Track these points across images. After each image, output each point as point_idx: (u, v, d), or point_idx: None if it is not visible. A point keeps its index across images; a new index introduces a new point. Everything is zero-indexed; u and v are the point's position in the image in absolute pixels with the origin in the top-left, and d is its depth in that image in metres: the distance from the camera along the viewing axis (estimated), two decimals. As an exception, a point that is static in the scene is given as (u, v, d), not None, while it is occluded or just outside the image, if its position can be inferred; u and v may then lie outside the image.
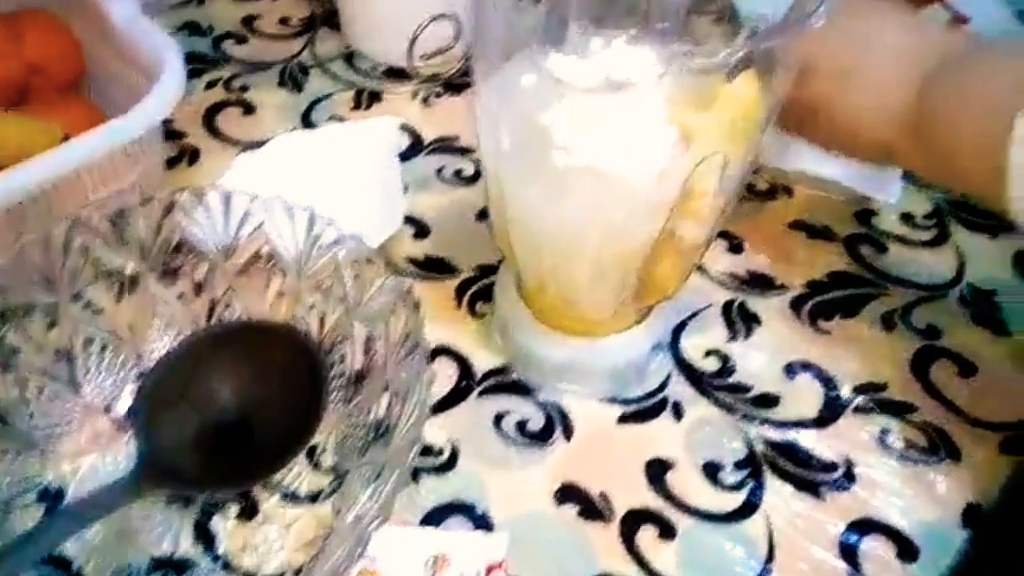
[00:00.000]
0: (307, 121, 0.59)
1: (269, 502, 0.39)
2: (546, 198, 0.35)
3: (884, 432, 0.43)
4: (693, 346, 0.46)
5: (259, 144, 0.56)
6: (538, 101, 0.34)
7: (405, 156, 0.56)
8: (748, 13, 0.63)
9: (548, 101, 0.34)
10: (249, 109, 0.60)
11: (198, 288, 0.43)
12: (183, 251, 0.41)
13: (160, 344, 0.42)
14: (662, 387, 0.44)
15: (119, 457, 0.40)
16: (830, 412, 0.43)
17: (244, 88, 0.62)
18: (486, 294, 0.48)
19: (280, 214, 0.40)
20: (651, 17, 0.44)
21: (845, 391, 0.44)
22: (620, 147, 0.32)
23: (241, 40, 0.66)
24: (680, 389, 0.44)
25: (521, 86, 0.35)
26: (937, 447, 0.42)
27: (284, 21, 0.68)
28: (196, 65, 0.63)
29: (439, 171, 0.56)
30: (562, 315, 0.42)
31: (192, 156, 0.56)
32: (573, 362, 0.43)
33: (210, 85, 0.62)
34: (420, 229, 0.52)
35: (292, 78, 0.63)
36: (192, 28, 0.67)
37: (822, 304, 0.49)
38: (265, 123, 0.59)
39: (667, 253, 0.36)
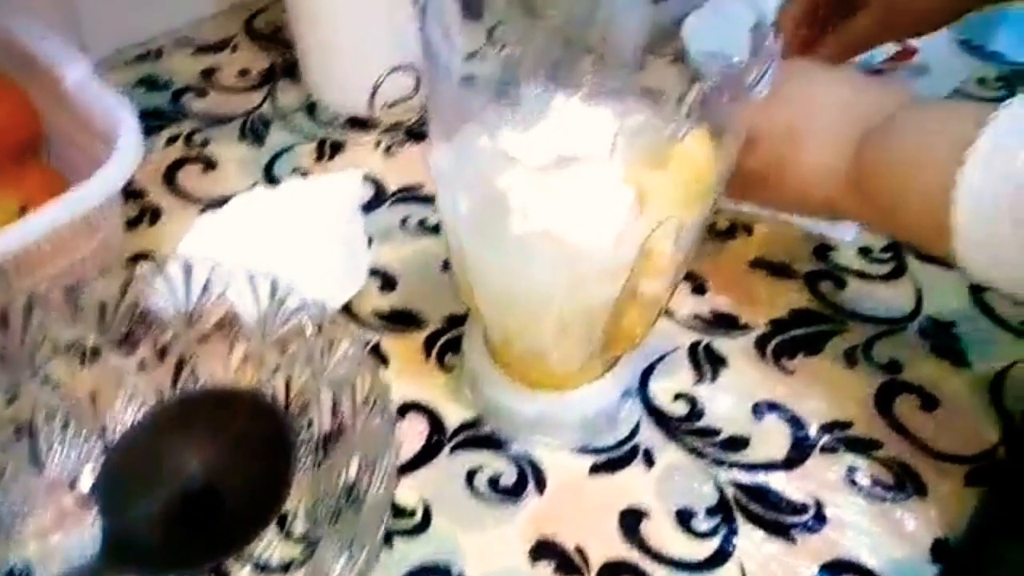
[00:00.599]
0: (269, 174, 0.59)
1: (240, 574, 0.38)
2: (506, 262, 0.35)
3: (851, 470, 0.43)
4: (662, 390, 0.47)
5: (221, 201, 0.56)
6: (494, 165, 0.34)
7: (369, 206, 0.57)
8: (697, 54, 0.65)
9: (504, 165, 0.34)
10: (210, 165, 0.60)
11: (160, 356, 0.42)
12: (144, 321, 0.41)
13: (124, 415, 0.42)
14: (632, 434, 0.45)
15: (86, 535, 0.39)
16: (798, 453, 0.44)
17: (204, 143, 0.61)
18: (455, 346, 0.48)
19: (242, 281, 0.40)
20: (607, 59, 0.44)
21: (812, 430, 0.45)
22: (577, 212, 0.32)
23: (200, 94, 0.66)
24: (650, 435, 0.45)
25: (477, 149, 0.35)
26: (904, 483, 0.43)
27: (244, 73, 0.68)
28: (155, 121, 0.63)
29: (403, 221, 0.56)
30: (530, 368, 0.43)
31: (153, 216, 0.56)
32: (544, 415, 0.43)
33: (170, 141, 0.62)
34: (386, 281, 0.52)
35: (253, 131, 0.63)
36: (150, 83, 0.66)
37: (785, 343, 0.49)
38: (227, 179, 0.59)
39: (631, 307, 0.37)
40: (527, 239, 0.33)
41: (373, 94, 0.61)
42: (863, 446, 0.44)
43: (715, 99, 0.32)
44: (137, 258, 0.53)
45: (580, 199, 0.33)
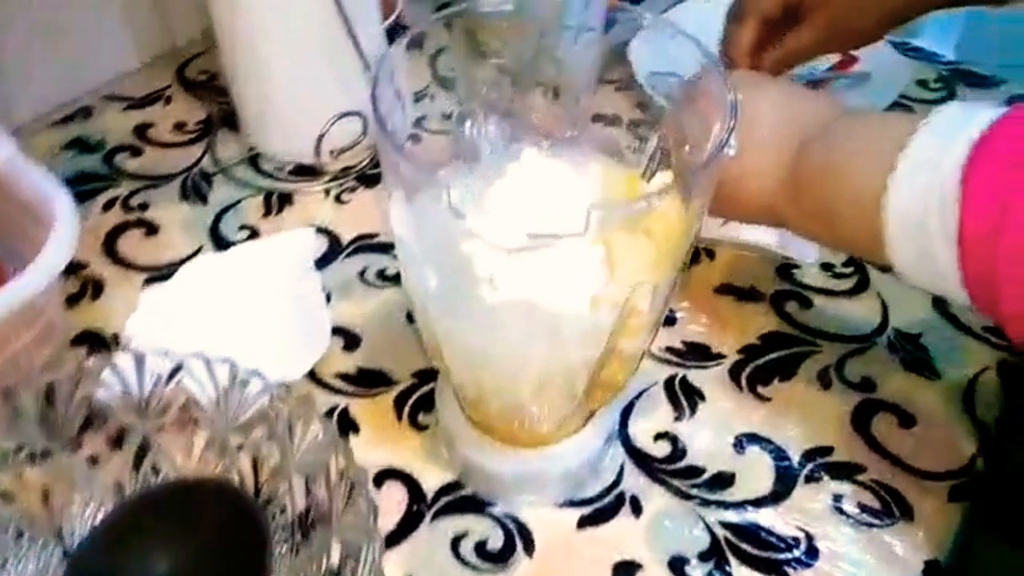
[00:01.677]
0: (216, 235, 0.56)
1: (223, 677, 0.36)
2: (479, 332, 0.34)
3: (837, 498, 0.43)
4: (642, 431, 0.46)
5: (167, 268, 0.54)
6: (456, 228, 0.33)
7: (324, 260, 0.55)
8: (647, 76, 0.64)
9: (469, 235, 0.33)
10: (152, 229, 0.57)
11: (116, 449, 0.40)
12: (96, 416, 0.38)
13: (83, 517, 0.39)
14: (617, 481, 0.44)
15: (50, 654, 0.37)
16: (783, 484, 0.44)
17: (144, 206, 0.59)
18: (427, 403, 0.47)
19: (199, 368, 0.37)
20: (562, 93, 0.43)
21: (795, 459, 0.45)
22: (550, 278, 0.31)
23: (136, 152, 0.63)
24: (634, 481, 0.44)
25: (438, 216, 0.34)
26: (890, 507, 0.43)
27: (180, 127, 0.65)
28: (89, 185, 0.60)
29: (361, 273, 0.54)
30: (508, 425, 0.41)
31: (95, 289, 0.53)
32: (525, 473, 0.42)
33: (107, 206, 0.59)
34: (349, 340, 0.50)
35: (195, 189, 0.60)
36: (81, 145, 0.63)
37: (759, 369, 0.49)
38: (171, 243, 0.56)
39: (612, 361, 0.36)
40: (500, 309, 0.32)
41: (319, 142, 0.60)
42: (846, 471, 0.44)
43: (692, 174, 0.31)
44: (82, 338, 0.50)
45: (551, 264, 0.31)
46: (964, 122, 0.33)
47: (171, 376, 0.38)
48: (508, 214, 0.30)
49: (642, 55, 0.68)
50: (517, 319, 0.32)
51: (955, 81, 0.70)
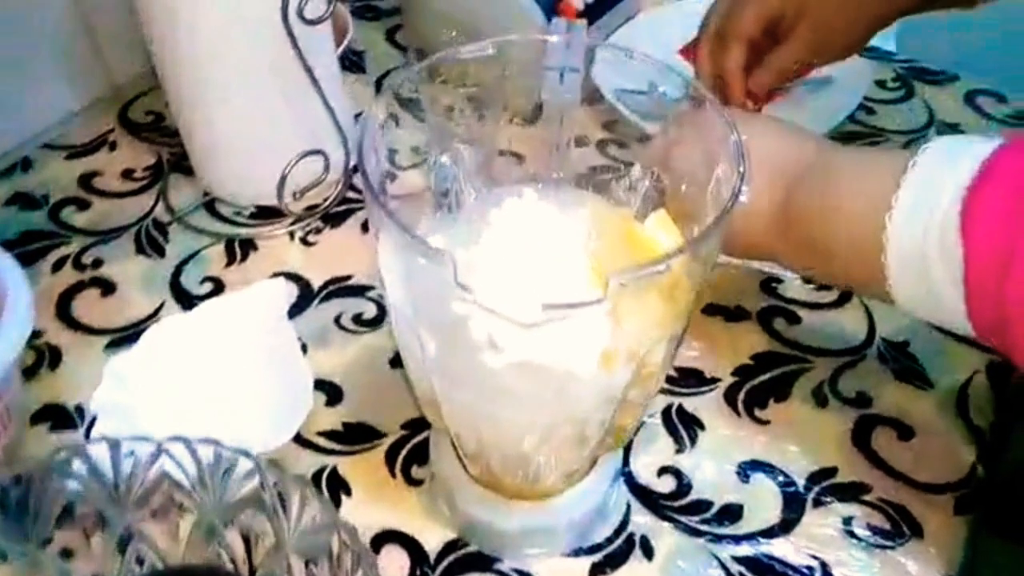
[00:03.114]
0: (178, 289, 0.54)
1: None
2: (483, 397, 0.32)
3: (847, 521, 0.42)
4: (644, 467, 0.45)
5: (129, 330, 0.51)
6: (450, 287, 0.31)
7: (296, 308, 0.52)
8: (616, 93, 0.63)
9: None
10: (109, 288, 0.54)
11: (95, 540, 0.37)
12: (70, 512, 0.35)
13: (63, 619, 0.36)
14: (625, 522, 0.42)
15: None
16: (792, 512, 0.43)
17: (98, 263, 0.55)
18: (420, 455, 0.45)
19: (180, 452, 0.35)
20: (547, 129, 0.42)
21: (800, 484, 0.44)
22: (555, 336, 0.29)
23: (83, 205, 0.59)
24: (643, 520, 0.43)
25: (432, 275, 0.32)
26: (899, 525, 0.42)
27: (128, 174, 0.62)
28: (36, 244, 0.56)
29: (337, 319, 0.52)
30: (511, 477, 0.40)
31: (53, 358, 0.50)
32: (531, 526, 0.40)
33: (57, 266, 0.55)
34: (331, 393, 0.48)
35: (150, 241, 0.57)
36: (23, 200, 0.60)
37: (754, 391, 0.48)
38: (130, 301, 0.53)
39: (623, 411, 0.34)
40: (505, 373, 0.30)
41: (282, 184, 0.57)
42: (852, 492, 0.44)
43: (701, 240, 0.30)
44: (43, 414, 0.47)
45: (557, 323, 0.30)
46: (953, 162, 0.33)
47: (150, 460, 0.36)
48: (513, 280, 0.28)
49: (605, 72, 0.68)
50: (523, 382, 0.30)
51: (912, 79, 0.71)
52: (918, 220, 0.33)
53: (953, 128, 0.66)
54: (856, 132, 0.65)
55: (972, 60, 0.75)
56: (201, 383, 0.44)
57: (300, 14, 0.49)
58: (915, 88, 0.70)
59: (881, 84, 0.70)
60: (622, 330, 0.30)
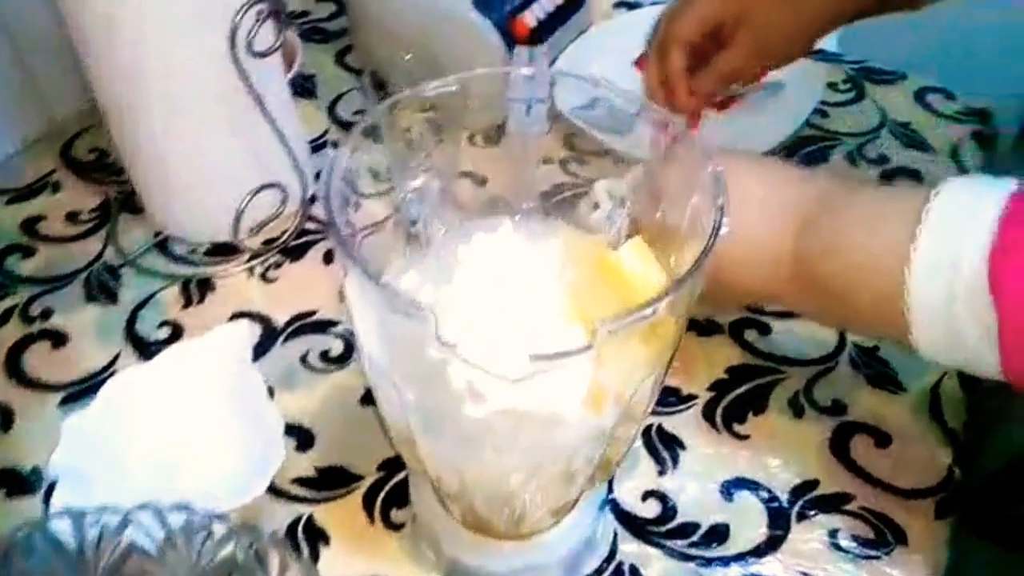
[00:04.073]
0: (134, 337, 0.51)
1: None
2: (464, 445, 0.31)
3: (832, 534, 0.42)
4: (629, 492, 0.44)
5: (84, 383, 0.48)
6: (430, 340, 0.30)
7: (260, 349, 0.51)
8: (572, 112, 0.63)
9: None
10: (60, 339, 0.51)
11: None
12: (35, 591, 0.33)
13: None
14: (613, 552, 0.42)
15: None
16: (778, 527, 0.43)
17: (47, 313, 0.53)
18: (399, 497, 0.44)
19: (148, 520, 0.33)
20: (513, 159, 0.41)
21: (784, 499, 0.44)
22: (537, 382, 0.29)
23: (28, 252, 0.57)
24: (631, 548, 0.42)
25: (408, 326, 0.31)
26: (883, 534, 0.42)
27: (73, 217, 0.59)
28: (-21, 297, 0.54)
29: (303, 358, 0.51)
30: (496, 516, 0.39)
31: (5, 418, 0.47)
32: (520, 566, 0.39)
33: (3, 319, 0.53)
34: (301, 438, 0.46)
35: (101, 286, 0.55)
36: (-38, 250, 0.57)
37: (731, 406, 0.48)
38: (84, 353, 0.51)
39: (612, 448, 0.34)
40: (488, 421, 0.29)
41: (237, 220, 0.55)
42: (835, 503, 0.44)
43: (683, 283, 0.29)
44: (-3, 481, 0.44)
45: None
46: (970, 211, 0.32)
47: (117, 530, 0.34)
48: (492, 326, 0.28)
49: (561, 90, 0.67)
50: (507, 428, 0.30)
51: (862, 79, 0.72)
52: (940, 276, 0.32)
53: (905, 127, 0.67)
54: (811, 136, 0.66)
55: (916, 58, 0.77)
56: (165, 438, 0.42)
57: (249, 47, 0.48)
58: (865, 89, 0.71)
59: (832, 86, 0.70)
60: (607, 371, 0.29)
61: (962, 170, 0.63)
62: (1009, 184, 0.33)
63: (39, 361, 0.50)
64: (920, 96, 0.70)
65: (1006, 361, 0.32)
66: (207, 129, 0.53)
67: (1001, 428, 0.51)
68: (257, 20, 0.47)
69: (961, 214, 0.32)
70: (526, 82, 0.35)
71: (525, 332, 0.28)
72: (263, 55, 0.49)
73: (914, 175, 0.63)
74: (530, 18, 0.63)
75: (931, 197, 0.33)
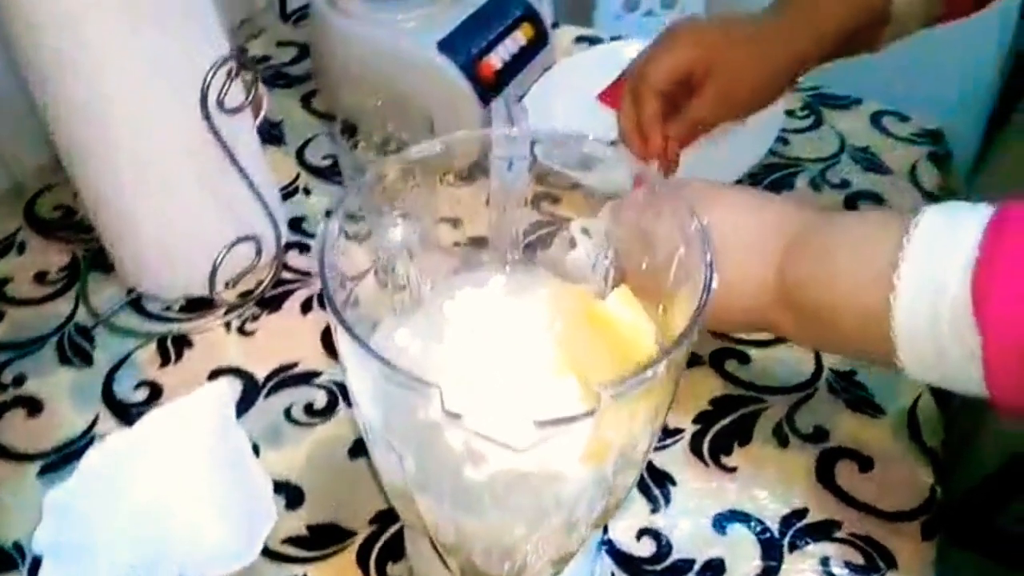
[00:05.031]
0: (111, 400, 0.50)
1: None
2: (464, 507, 0.31)
3: (824, 562, 0.43)
4: (623, 532, 0.44)
5: (63, 451, 0.47)
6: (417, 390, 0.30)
7: (242, 405, 0.50)
8: (542, 152, 0.64)
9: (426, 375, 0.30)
10: (35, 407, 0.50)
11: None
12: None
13: None
14: (610, 594, 0.42)
15: None
16: (771, 558, 0.43)
17: (20, 379, 0.52)
18: (394, 551, 0.43)
19: (147, 598, 0.33)
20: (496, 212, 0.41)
21: (775, 529, 0.45)
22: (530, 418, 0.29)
23: (-5, 316, 0.56)
24: (628, 590, 0.42)
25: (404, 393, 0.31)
26: (873, 559, 0.43)
27: (41, 277, 0.58)
28: (-54, 367, 0.52)
29: (287, 412, 0.50)
30: (496, 569, 0.38)
31: (-19, 495, 0.46)
32: (522, 616, 0.39)
33: (-27, 388, 0.51)
34: (290, 495, 0.46)
35: (75, 349, 0.54)
36: (-74, 318, 0.55)
37: (718, 438, 0.49)
38: (61, 420, 0.49)
39: (613, 495, 0.34)
40: (489, 483, 0.29)
41: (213, 275, 0.55)
42: (824, 531, 0.44)
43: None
44: (-24, 560, 0.43)
45: (528, 412, 0.29)
46: (951, 236, 0.33)
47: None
48: (491, 389, 0.28)
49: (532, 117, 0.68)
50: (508, 487, 0.30)
51: (819, 105, 0.74)
52: (925, 300, 0.33)
53: (864, 151, 0.69)
54: (775, 164, 0.68)
55: (868, 82, 0.79)
56: (152, 508, 0.41)
57: (220, 105, 0.47)
58: (823, 115, 0.73)
59: (790, 113, 0.72)
60: (608, 427, 0.29)
61: (921, 191, 0.66)
62: (986, 209, 0.34)
63: (15, 430, 0.49)
64: (876, 120, 0.72)
65: (990, 380, 0.32)
66: (178, 185, 0.52)
67: (976, 444, 0.52)
68: (228, 77, 0.47)
69: (942, 239, 0.33)
70: (508, 141, 0.35)
71: (525, 395, 0.28)
72: (234, 111, 0.49)
73: (876, 199, 0.64)
74: (495, 60, 0.64)
75: (911, 225, 0.34)
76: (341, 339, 0.27)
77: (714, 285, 0.28)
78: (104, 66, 0.46)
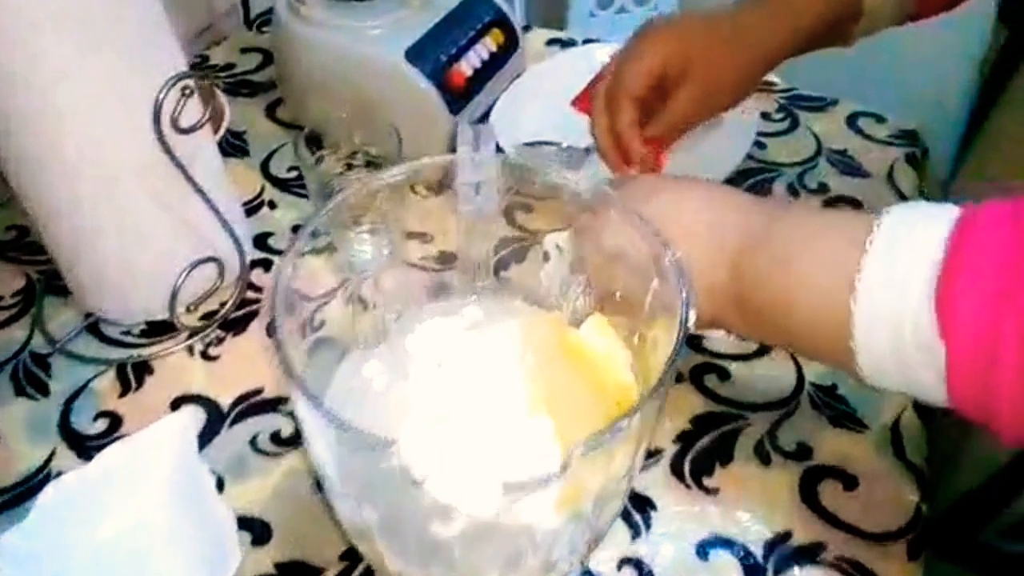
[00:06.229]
0: (68, 432, 0.48)
1: None
2: (433, 562, 0.29)
3: (810, 586, 0.42)
4: (603, 562, 0.43)
5: (18, 489, 0.45)
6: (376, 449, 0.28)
7: (207, 435, 0.48)
8: (515, 149, 0.62)
9: (392, 425, 0.29)
10: (-14, 443, 0.48)
11: None
12: None
13: None
14: (592, 629, 0.41)
15: None
16: (756, 585, 0.42)
17: (-29, 413, 0.49)
18: (365, 587, 0.42)
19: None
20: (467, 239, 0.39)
21: (759, 554, 0.43)
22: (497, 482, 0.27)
23: (-55, 345, 0.53)
24: (610, 623, 0.41)
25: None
26: (859, 582, 0.42)
27: (-7, 302, 0.56)
28: None
29: (253, 442, 0.48)
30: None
31: (-71, 537, 0.44)
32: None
33: (-78, 423, 0.49)
34: (257, 531, 0.44)
35: (30, 378, 0.51)
36: None
37: (698, 458, 0.47)
38: (16, 453, 0.47)
39: (593, 531, 0.33)
40: (459, 538, 0.28)
41: (173, 299, 0.52)
42: (809, 554, 0.43)
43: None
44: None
45: (503, 473, 0.28)
46: (913, 242, 0.32)
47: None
48: (459, 448, 0.26)
49: (504, 124, 0.66)
50: (480, 541, 0.28)
51: (794, 108, 0.73)
52: (886, 308, 0.32)
53: (841, 154, 0.68)
54: (752, 168, 0.66)
55: (842, 82, 0.78)
56: (111, 550, 0.39)
57: (174, 124, 0.45)
58: (799, 117, 0.72)
59: (766, 116, 0.71)
60: (582, 475, 0.28)
61: (898, 194, 0.65)
62: (952, 210, 0.32)
63: (-33, 467, 0.47)
64: (852, 121, 0.71)
65: (954, 390, 0.31)
66: (133, 205, 0.50)
67: (960, 458, 0.51)
68: (182, 96, 0.45)
69: (904, 244, 0.32)
70: (473, 166, 0.34)
71: (494, 444, 0.26)
72: (189, 131, 0.46)
73: (855, 203, 0.64)
74: (465, 67, 0.62)
75: (873, 227, 0.33)
76: (295, 396, 0.26)
77: (691, 323, 0.27)
78: (57, 82, 0.43)
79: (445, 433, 0.27)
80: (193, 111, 0.46)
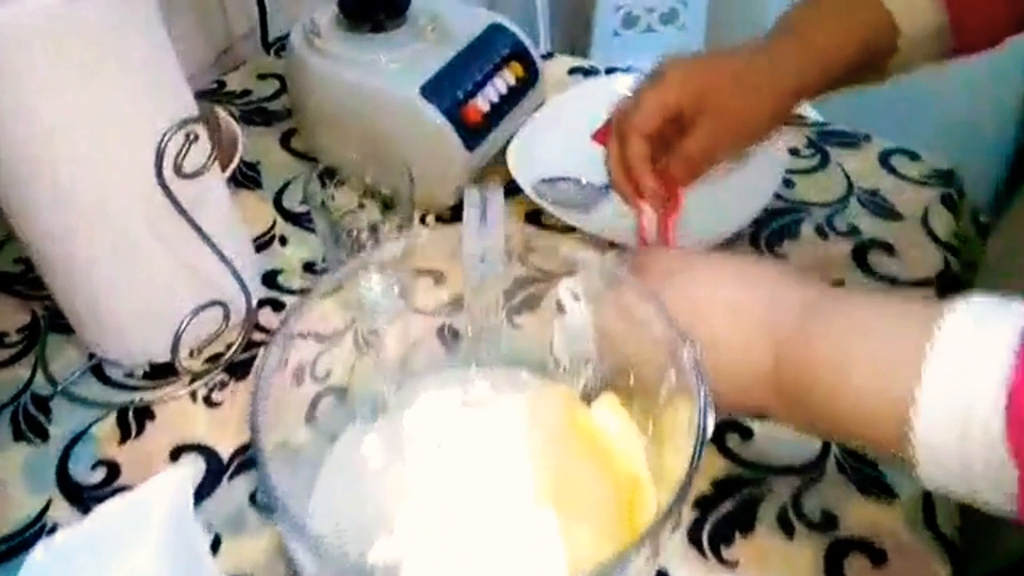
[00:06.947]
0: (66, 482, 0.47)
1: None
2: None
3: (834, 675, 0.40)
4: (612, 639, 0.41)
5: (12, 541, 0.44)
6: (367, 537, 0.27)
7: (204, 489, 0.46)
8: (537, 184, 0.60)
9: (388, 511, 0.27)
10: (-16, 489, 0.47)
11: None
12: None
13: None
14: None
15: None
16: (776, 671, 0.40)
17: (-30, 458, 0.48)
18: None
19: None
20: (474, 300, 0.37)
21: (780, 636, 0.41)
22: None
23: (-56, 386, 0.52)
24: None
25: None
26: (887, 671, 0.40)
27: (0, 339, 0.55)
28: None
29: (253, 498, 0.46)
30: None
31: (-81, 592, 0.43)
32: None
33: (-81, 467, 0.48)
34: (254, 594, 0.42)
35: (30, 422, 0.50)
36: None
37: (718, 525, 0.45)
38: (13, 500, 0.46)
39: None
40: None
41: (176, 343, 0.51)
42: (834, 637, 0.41)
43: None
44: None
45: (493, 554, 0.26)
46: (981, 350, 0.29)
47: None
48: (450, 548, 0.24)
49: (522, 159, 0.64)
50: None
51: (825, 143, 0.70)
52: (952, 424, 0.29)
53: (873, 194, 0.65)
54: (779, 209, 0.64)
55: (873, 117, 0.75)
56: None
57: (178, 170, 0.44)
58: (829, 154, 0.69)
59: (795, 152, 0.69)
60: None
61: (933, 238, 0.62)
62: (1019, 310, 0.30)
63: (-39, 516, 0.46)
64: (884, 159, 0.68)
65: None
66: (136, 248, 0.49)
67: (996, 529, 0.48)
68: (186, 141, 0.43)
69: (971, 352, 0.29)
70: (478, 234, 0.32)
71: (492, 547, 0.24)
72: (193, 176, 0.45)
73: (887, 248, 0.61)
74: (482, 103, 0.60)
75: (935, 328, 0.30)
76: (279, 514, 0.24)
77: (709, 430, 0.24)
78: (57, 126, 0.42)
79: (437, 536, 0.25)
80: (199, 154, 0.45)
